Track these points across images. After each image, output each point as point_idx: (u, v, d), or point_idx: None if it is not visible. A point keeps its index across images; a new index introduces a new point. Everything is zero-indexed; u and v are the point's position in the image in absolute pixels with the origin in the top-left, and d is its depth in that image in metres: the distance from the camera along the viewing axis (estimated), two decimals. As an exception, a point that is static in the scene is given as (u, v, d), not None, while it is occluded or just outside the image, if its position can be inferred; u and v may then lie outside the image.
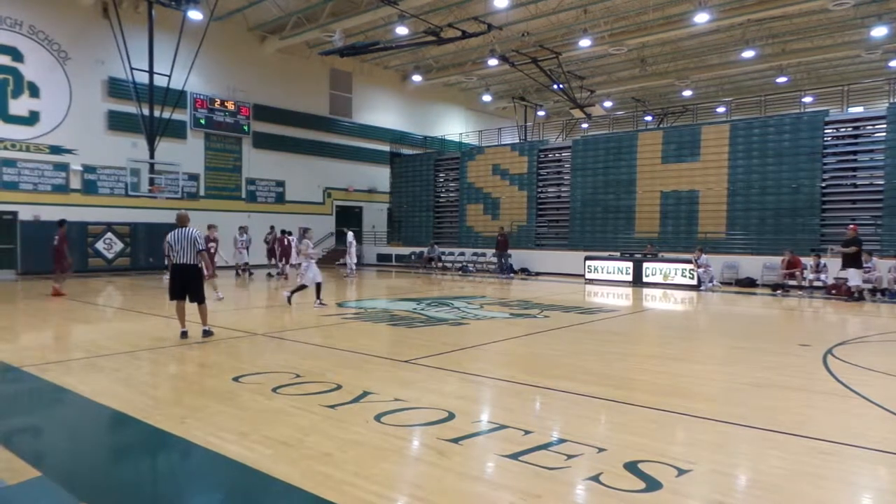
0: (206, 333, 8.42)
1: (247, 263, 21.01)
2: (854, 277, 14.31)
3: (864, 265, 15.21)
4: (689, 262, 18.13)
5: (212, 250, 13.65)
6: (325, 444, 4.21)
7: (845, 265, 14.42)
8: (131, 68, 19.89)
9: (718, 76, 31.39)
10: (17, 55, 19.71)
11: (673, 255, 19.26)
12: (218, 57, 24.25)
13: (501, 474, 3.78)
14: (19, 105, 19.83)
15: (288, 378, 6.14)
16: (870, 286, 15.17)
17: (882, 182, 17.82)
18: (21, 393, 5.91)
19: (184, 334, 8.30)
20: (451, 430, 4.52)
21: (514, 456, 3.99)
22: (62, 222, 15.04)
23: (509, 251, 22.90)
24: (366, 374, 6.40)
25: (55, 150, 20.56)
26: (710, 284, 17.84)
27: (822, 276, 15.90)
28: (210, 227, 14.42)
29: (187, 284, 8.30)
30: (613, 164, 23.14)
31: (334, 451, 4.08)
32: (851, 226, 14.88)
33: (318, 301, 12.33)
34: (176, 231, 8.36)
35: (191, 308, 8.40)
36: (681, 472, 3.75)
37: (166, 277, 11.29)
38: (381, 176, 31.35)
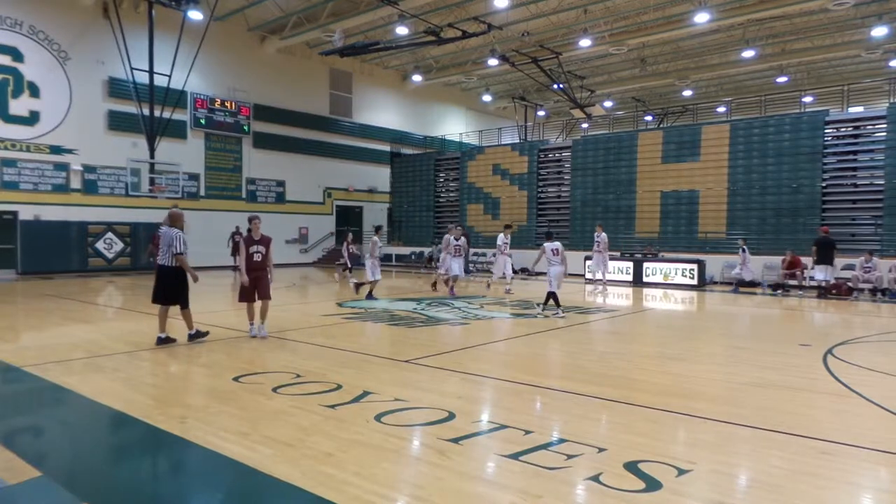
0: (192, 337, 8.01)
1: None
2: (826, 273, 14.95)
3: (865, 265, 15.29)
4: (689, 261, 18.09)
5: (256, 257, 8.39)
6: (325, 444, 4.22)
7: (820, 262, 14.93)
8: (131, 68, 19.90)
9: (718, 76, 31.39)
10: (17, 55, 19.71)
11: (673, 255, 19.27)
12: (218, 57, 24.25)
13: (502, 474, 3.78)
14: (19, 105, 19.83)
15: (288, 378, 6.14)
16: (870, 286, 15.21)
17: (882, 182, 17.82)
18: (22, 393, 5.91)
19: (160, 340, 7.79)
20: (451, 429, 4.53)
21: (515, 456, 4.00)
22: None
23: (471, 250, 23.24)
24: (366, 374, 6.40)
25: (55, 150, 20.56)
26: (602, 281, 16.73)
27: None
28: (252, 219, 8.59)
29: (167, 288, 7.83)
30: (613, 164, 23.13)
31: (335, 451, 4.09)
32: (825, 227, 15.26)
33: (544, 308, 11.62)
34: (162, 229, 7.97)
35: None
36: (681, 472, 3.76)
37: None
38: (381, 176, 31.35)
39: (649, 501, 3.37)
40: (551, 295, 11.25)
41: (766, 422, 4.80)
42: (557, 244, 11.43)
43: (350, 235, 20.18)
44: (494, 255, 16.24)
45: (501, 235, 15.90)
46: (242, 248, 8.36)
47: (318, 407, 5.11)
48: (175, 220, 7.91)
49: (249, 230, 8.52)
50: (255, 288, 8.42)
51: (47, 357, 7.07)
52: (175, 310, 7.97)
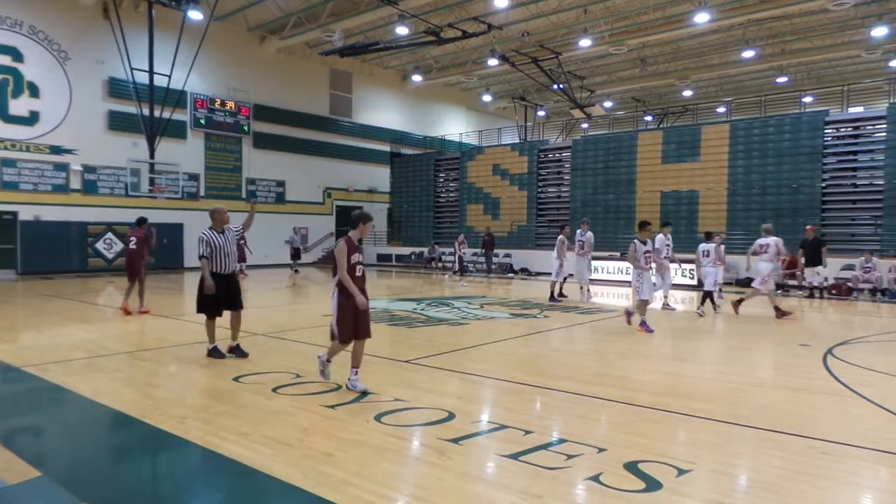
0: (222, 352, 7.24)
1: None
2: (814, 276, 14.95)
3: (865, 265, 15.30)
4: (689, 261, 18.05)
5: (359, 272, 5.57)
6: (325, 444, 4.22)
7: (809, 264, 14.89)
8: (131, 68, 19.91)
9: (718, 76, 31.39)
10: (17, 55, 19.71)
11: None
12: (218, 57, 24.25)
13: (501, 474, 3.78)
14: (19, 105, 19.83)
15: (288, 378, 6.14)
16: (870, 286, 15.22)
17: (882, 182, 17.81)
18: (21, 393, 5.91)
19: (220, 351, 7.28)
20: (451, 430, 4.53)
21: (515, 456, 4.00)
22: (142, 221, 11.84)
23: (496, 251, 23.31)
24: (366, 374, 6.38)
25: (55, 150, 20.56)
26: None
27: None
28: (366, 219, 5.63)
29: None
30: (613, 164, 23.13)
31: (335, 451, 4.09)
32: (809, 227, 15.33)
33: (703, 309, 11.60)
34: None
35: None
36: (681, 472, 3.76)
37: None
38: (381, 176, 31.35)
39: (649, 501, 3.37)
40: (707, 294, 11.94)
41: (766, 422, 4.80)
42: (707, 245, 11.99)
43: (461, 236, 19.40)
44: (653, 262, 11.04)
45: (661, 237, 11.93)
46: (343, 253, 5.40)
47: (318, 407, 5.11)
48: (213, 219, 7.38)
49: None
50: (357, 319, 5.51)
51: (47, 357, 7.07)
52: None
